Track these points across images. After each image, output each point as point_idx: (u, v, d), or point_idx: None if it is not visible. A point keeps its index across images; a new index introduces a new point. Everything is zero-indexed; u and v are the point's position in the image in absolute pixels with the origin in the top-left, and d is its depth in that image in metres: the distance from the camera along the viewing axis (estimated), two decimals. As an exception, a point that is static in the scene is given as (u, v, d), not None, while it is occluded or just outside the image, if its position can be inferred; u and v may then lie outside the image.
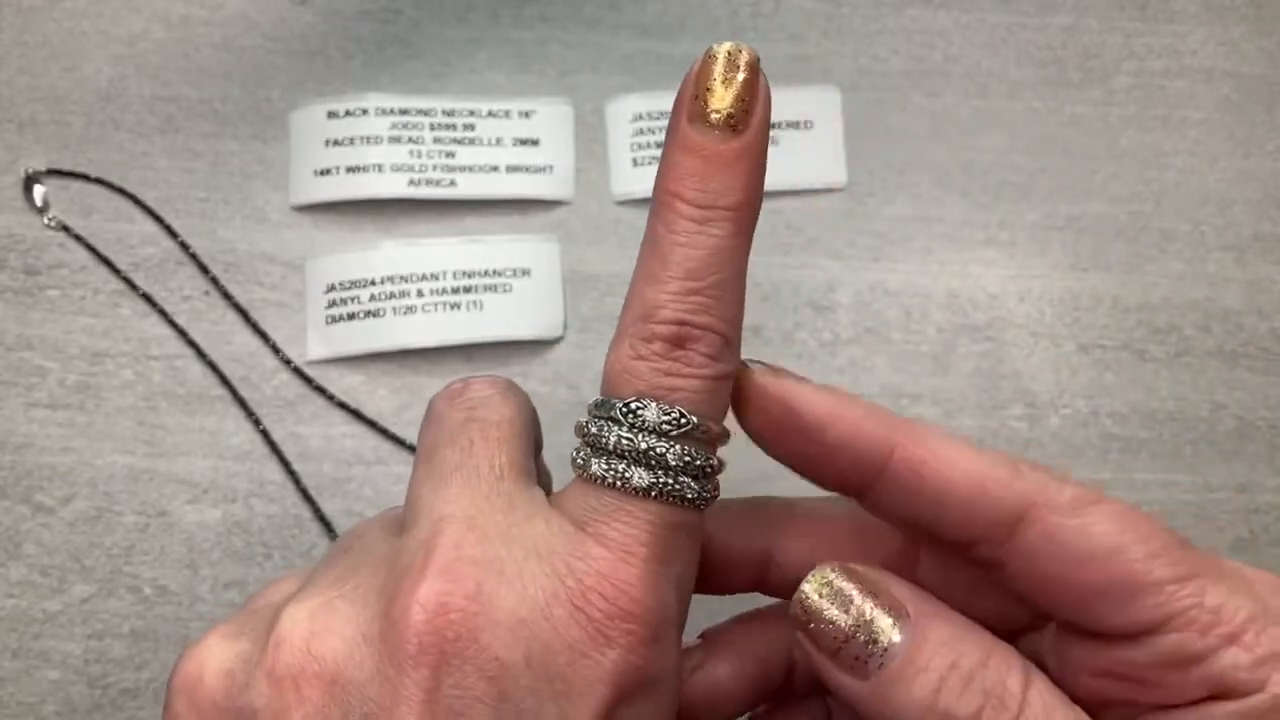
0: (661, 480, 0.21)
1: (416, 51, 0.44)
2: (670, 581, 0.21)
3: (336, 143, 0.42)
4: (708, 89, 0.21)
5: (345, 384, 0.40)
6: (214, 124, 0.43)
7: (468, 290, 0.41)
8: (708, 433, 0.22)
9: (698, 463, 0.21)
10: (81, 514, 0.38)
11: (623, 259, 0.42)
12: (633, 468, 0.21)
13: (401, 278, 0.41)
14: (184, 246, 0.41)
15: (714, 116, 0.21)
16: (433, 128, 0.42)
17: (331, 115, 0.42)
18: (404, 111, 0.42)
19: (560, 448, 0.40)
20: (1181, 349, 0.42)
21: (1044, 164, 0.44)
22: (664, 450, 0.21)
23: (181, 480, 0.39)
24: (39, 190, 0.41)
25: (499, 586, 0.20)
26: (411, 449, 0.39)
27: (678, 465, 0.21)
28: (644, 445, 0.21)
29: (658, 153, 0.43)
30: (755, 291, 0.42)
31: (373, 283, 0.41)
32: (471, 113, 0.43)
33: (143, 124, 0.42)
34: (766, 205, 0.43)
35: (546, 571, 0.20)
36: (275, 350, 0.40)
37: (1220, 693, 0.20)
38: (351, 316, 0.40)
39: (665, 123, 0.43)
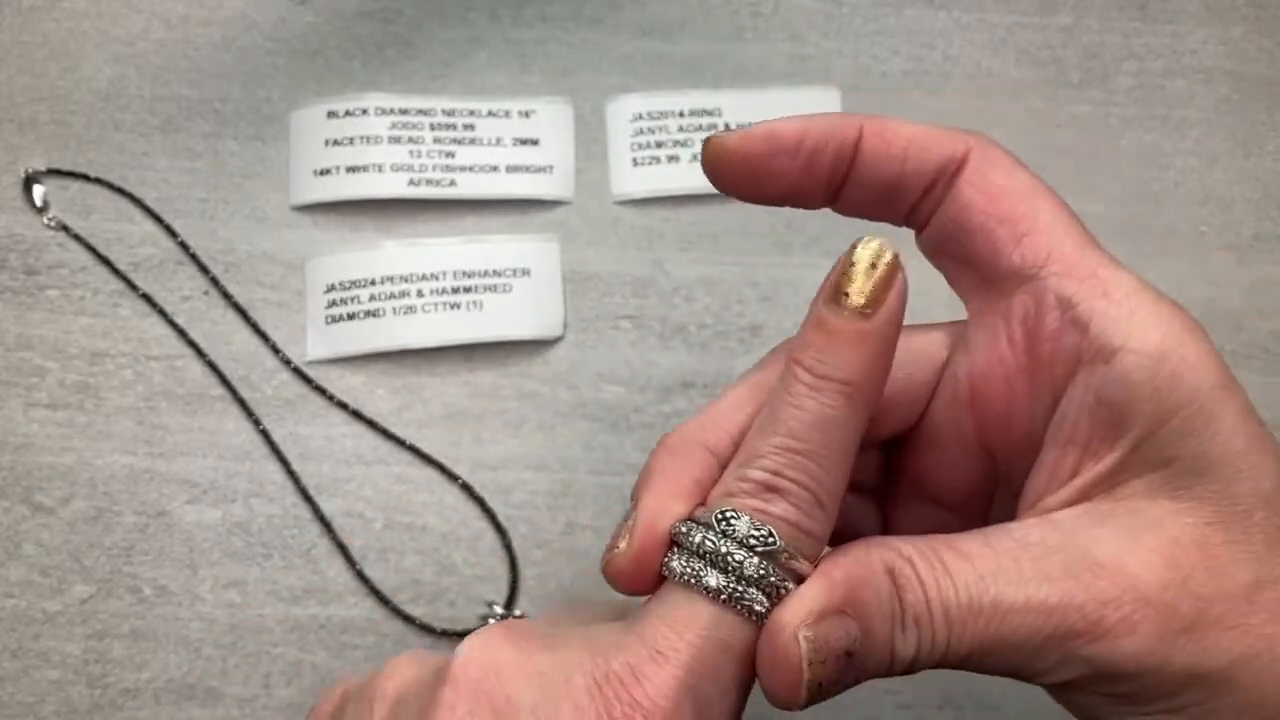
0: (732, 586, 0.22)
1: (416, 51, 0.44)
2: (694, 699, 0.22)
3: (336, 143, 0.42)
4: (846, 275, 0.23)
5: (345, 384, 0.40)
6: (214, 124, 0.42)
7: (468, 290, 0.41)
8: (793, 560, 0.22)
9: (773, 579, 0.22)
10: (81, 514, 0.38)
11: (622, 259, 0.42)
12: (709, 569, 0.22)
13: (401, 278, 0.41)
14: (184, 246, 0.41)
15: (846, 300, 0.23)
16: (433, 128, 0.42)
17: (331, 115, 0.42)
18: (404, 111, 0.42)
19: (560, 447, 0.40)
20: (1182, 349, 0.42)
21: (1044, 164, 0.43)
22: (743, 559, 0.22)
23: (181, 480, 0.39)
24: (39, 190, 0.41)
25: (541, 643, 0.23)
26: (411, 449, 0.39)
27: (753, 576, 0.22)
28: (724, 549, 0.22)
29: (657, 152, 0.43)
30: (755, 291, 0.42)
31: (373, 283, 0.41)
32: (471, 113, 0.43)
33: (143, 124, 0.42)
34: (766, 205, 0.43)
35: (584, 647, 0.22)
36: (275, 350, 0.40)
37: (1087, 346, 0.23)
38: (351, 316, 0.40)
39: (665, 122, 0.43)
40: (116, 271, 0.41)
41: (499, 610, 0.38)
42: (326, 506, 0.39)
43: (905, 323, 0.24)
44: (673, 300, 0.41)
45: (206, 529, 0.38)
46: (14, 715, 0.37)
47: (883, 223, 0.27)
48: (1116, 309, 0.23)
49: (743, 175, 0.26)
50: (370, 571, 0.38)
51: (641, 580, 0.23)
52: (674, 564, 0.23)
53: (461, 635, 0.38)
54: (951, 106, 0.44)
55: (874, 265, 0.23)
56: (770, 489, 0.22)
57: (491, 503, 0.39)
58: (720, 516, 0.22)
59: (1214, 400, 0.22)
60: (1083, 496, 0.23)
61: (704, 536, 0.22)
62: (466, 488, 0.39)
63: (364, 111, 0.42)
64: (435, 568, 0.38)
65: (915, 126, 0.25)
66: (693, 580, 0.22)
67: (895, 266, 0.23)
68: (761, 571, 0.22)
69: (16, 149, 0.42)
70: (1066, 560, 0.22)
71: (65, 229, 0.41)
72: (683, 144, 0.43)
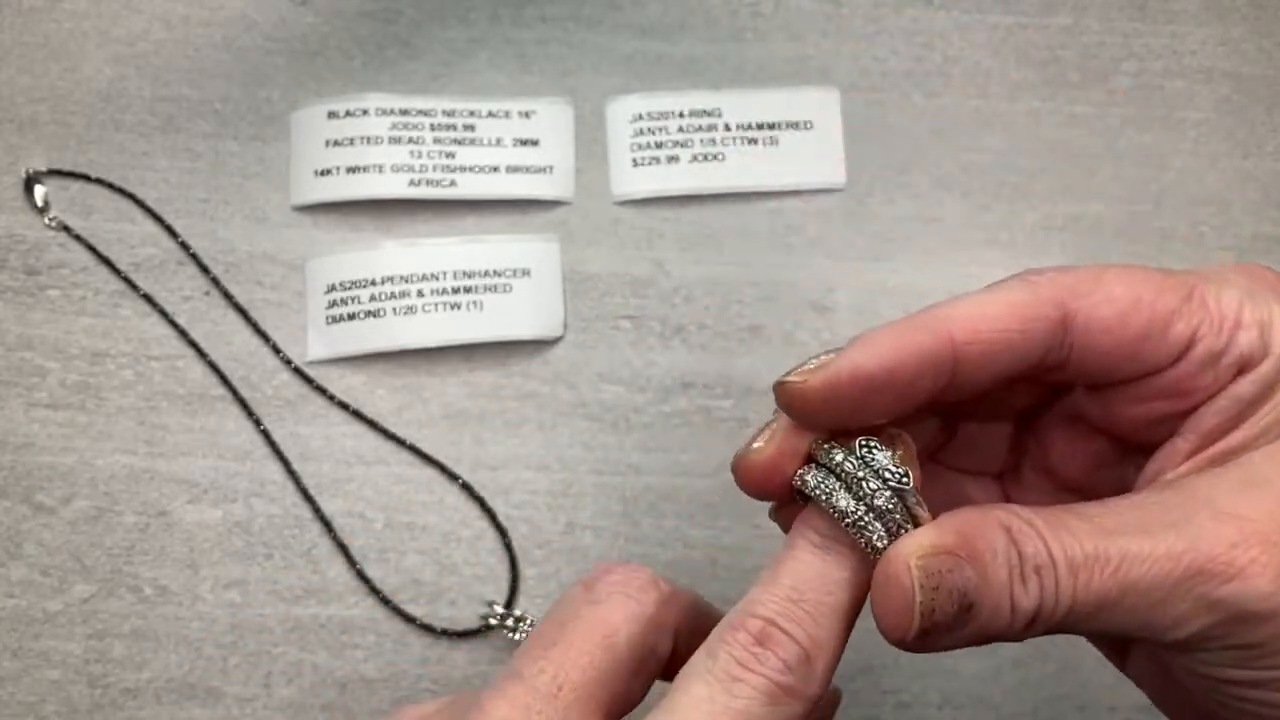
0: (860, 514, 0.22)
1: (417, 52, 0.44)
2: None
3: (337, 143, 0.42)
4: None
5: (345, 384, 0.40)
6: (214, 124, 0.43)
7: (468, 290, 0.41)
8: (919, 505, 0.22)
9: (897, 516, 0.22)
10: (82, 514, 0.38)
11: (622, 259, 0.42)
12: (841, 490, 0.22)
13: (401, 278, 0.41)
14: (184, 247, 0.41)
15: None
16: (433, 128, 0.42)
17: (332, 115, 0.42)
18: (404, 112, 0.42)
19: (560, 447, 0.40)
20: (1181, 349, 0.42)
21: (1044, 164, 0.44)
22: (876, 488, 0.22)
23: (182, 480, 0.39)
24: (39, 190, 0.41)
25: None
26: (412, 449, 0.39)
27: (881, 508, 0.22)
28: (861, 474, 0.22)
29: (657, 153, 0.43)
30: (755, 291, 0.42)
31: (373, 283, 0.41)
32: (471, 113, 0.43)
33: (143, 124, 0.42)
34: (766, 205, 0.44)
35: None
36: (275, 350, 0.40)
37: (1243, 369, 0.23)
38: (352, 316, 0.40)
39: (665, 123, 0.43)
40: (117, 272, 0.41)
41: (499, 610, 0.38)
42: (327, 506, 0.39)
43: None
44: (673, 300, 0.41)
45: (207, 529, 0.38)
46: (15, 715, 0.37)
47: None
48: (1254, 332, 0.23)
49: (829, 415, 0.24)
50: (370, 571, 0.38)
51: (770, 483, 0.23)
52: (809, 477, 0.23)
53: (461, 635, 0.38)
54: (951, 106, 0.44)
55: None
56: (762, 640, 0.22)
57: (491, 503, 0.39)
58: (863, 443, 0.23)
59: None
60: (1199, 468, 0.23)
61: (845, 458, 0.23)
62: (466, 488, 0.39)
63: (364, 112, 0.42)
64: (435, 567, 0.38)
65: (997, 306, 0.24)
66: (824, 498, 0.22)
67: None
68: (890, 505, 0.22)
69: (17, 149, 0.42)
70: (1188, 511, 0.22)
71: (66, 229, 0.41)
72: (683, 144, 0.43)
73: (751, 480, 0.24)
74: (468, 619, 0.38)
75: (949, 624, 0.21)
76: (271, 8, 0.44)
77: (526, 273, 0.41)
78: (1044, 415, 0.27)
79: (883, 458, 0.23)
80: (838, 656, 0.23)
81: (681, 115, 0.43)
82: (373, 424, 0.40)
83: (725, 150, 0.43)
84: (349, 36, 0.44)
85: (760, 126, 0.43)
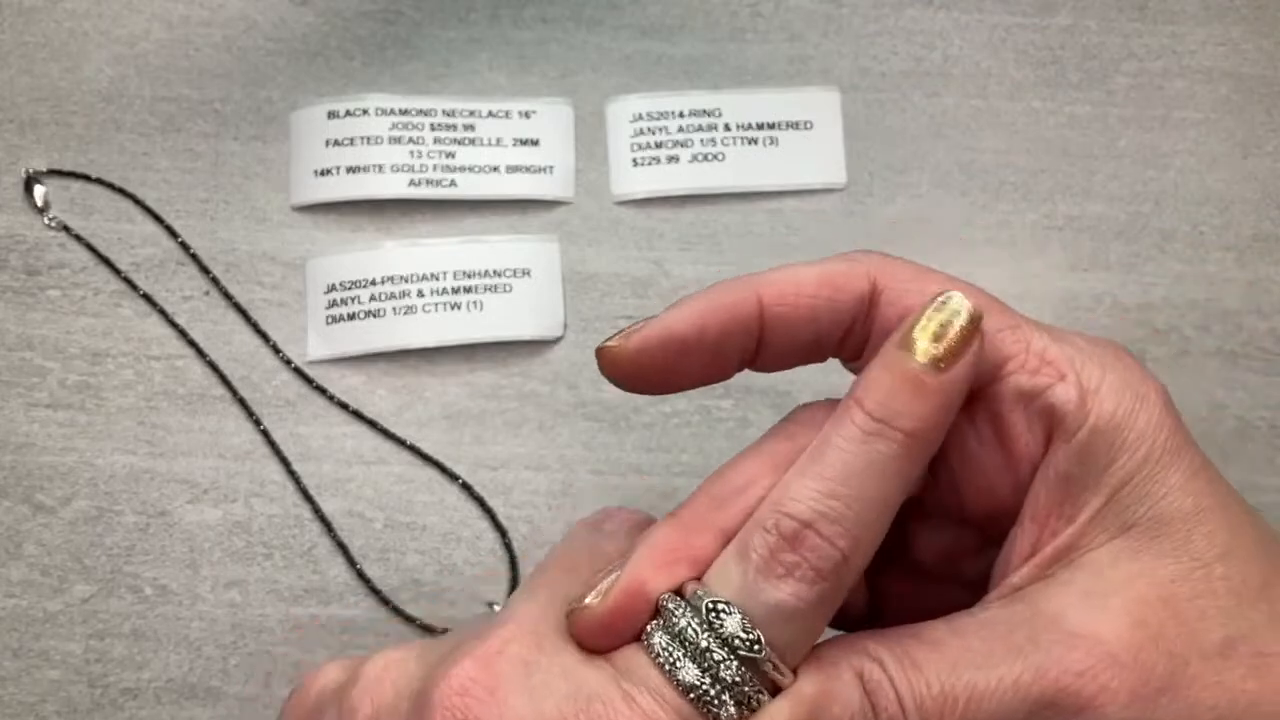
0: (705, 688, 0.21)
1: (417, 52, 0.44)
2: None
3: (337, 143, 0.42)
4: (925, 326, 0.22)
5: (345, 384, 0.40)
6: (214, 124, 0.43)
7: (468, 290, 0.41)
8: (775, 671, 0.21)
9: (746, 690, 0.21)
10: (82, 514, 0.38)
11: (623, 259, 0.42)
12: (686, 661, 0.21)
13: (401, 278, 0.41)
14: (184, 247, 0.41)
15: (922, 349, 0.22)
16: (433, 128, 0.42)
17: (332, 115, 0.42)
18: (404, 112, 0.42)
19: (560, 447, 0.40)
20: (1181, 349, 0.42)
21: (1043, 164, 0.44)
22: (721, 660, 0.21)
23: (182, 480, 0.39)
24: (39, 190, 0.41)
25: (519, 692, 0.21)
26: (412, 449, 0.39)
27: (728, 681, 0.21)
28: (705, 645, 0.21)
29: (657, 153, 0.43)
30: (755, 291, 0.42)
31: (373, 283, 0.41)
32: (472, 113, 0.43)
33: (143, 124, 0.42)
34: (766, 205, 0.44)
35: (568, 697, 0.21)
36: (275, 350, 0.40)
37: (1055, 428, 0.23)
38: (352, 316, 0.40)
39: (665, 123, 0.43)
40: (117, 272, 0.41)
41: (499, 610, 0.38)
42: (327, 506, 0.39)
43: None
44: (673, 300, 0.41)
45: (207, 529, 0.38)
46: (15, 715, 0.37)
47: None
48: (1073, 389, 0.23)
49: (646, 380, 0.24)
50: (370, 571, 0.38)
51: (606, 642, 0.22)
52: (655, 640, 0.22)
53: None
54: (951, 106, 0.44)
55: (952, 321, 0.22)
56: (796, 542, 0.21)
57: (491, 502, 0.39)
58: (710, 606, 0.21)
59: (1162, 465, 0.22)
60: (1042, 571, 0.23)
61: (689, 622, 0.21)
62: (466, 487, 0.39)
63: (364, 112, 0.42)
64: (435, 567, 0.38)
65: (810, 274, 0.24)
66: (668, 668, 0.21)
67: (976, 327, 0.22)
68: (738, 679, 0.21)
69: (17, 149, 0.42)
70: (1034, 632, 0.21)
71: (66, 229, 0.41)
72: (683, 144, 0.43)
73: (585, 640, 0.22)
74: (468, 619, 0.38)
75: None
76: (271, 8, 0.44)
77: (526, 273, 0.41)
78: (902, 512, 0.26)
79: (731, 623, 0.21)
80: (875, 547, 0.22)
81: (681, 115, 0.43)
82: (373, 424, 0.40)
83: (725, 150, 0.43)
84: (349, 36, 0.44)
85: (760, 126, 0.43)
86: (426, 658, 0.23)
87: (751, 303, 0.24)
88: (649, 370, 0.24)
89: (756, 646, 0.21)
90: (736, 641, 0.21)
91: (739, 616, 0.21)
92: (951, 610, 0.23)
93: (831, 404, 0.24)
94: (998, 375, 0.23)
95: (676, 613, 0.22)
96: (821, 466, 0.22)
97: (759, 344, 0.24)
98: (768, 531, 0.21)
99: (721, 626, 0.21)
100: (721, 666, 0.21)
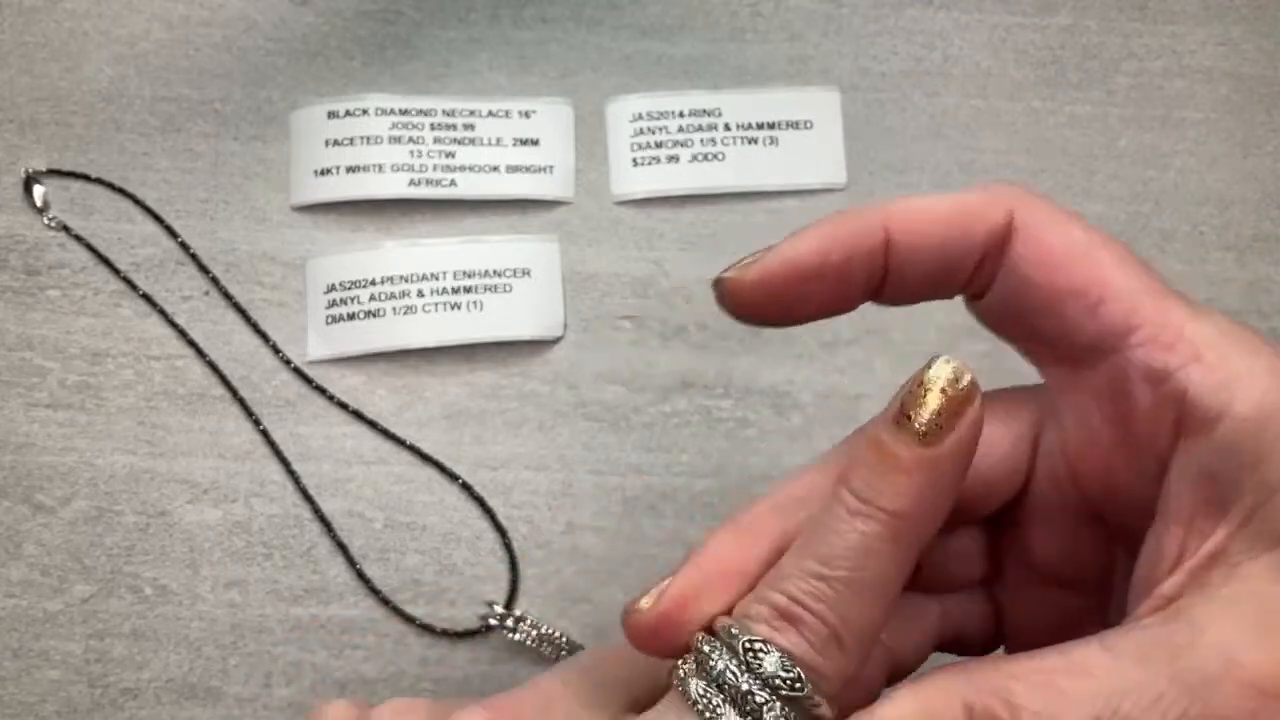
0: None
1: (417, 52, 0.44)
2: None
3: (337, 143, 0.42)
4: (914, 395, 0.21)
5: (345, 384, 0.40)
6: (214, 124, 0.43)
7: (468, 290, 0.41)
8: (819, 709, 0.20)
9: None
10: (82, 514, 0.38)
11: (623, 259, 0.42)
12: (726, 708, 0.20)
13: (401, 278, 0.41)
14: (184, 247, 0.41)
15: (906, 422, 0.21)
16: (433, 128, 0.42)
17: (332, 115, 0.42)
18: (404, 112, 0.42)
19: (560, 447, 0.40)
20: (1181, 349, 0.42)
21: (1044, 164, 0.44)
22: (764, 702, 0.20)
23: (182, 480, 0.39)
24: (39, 190, 0.41)
25: None
26: (412, 449, 0.39)
27: None
28: (746, 688, 0.20)
29: (657, 153, 0.43)
30: (755, 291, 0.42)
31: (373, 283, 0.41)
32: (471, 113, 0.43)
33: (143, 124, 0.42)
34: (766, 205, 0.44)
35: None
36: (275, 350, 0.40)
37: (1186, 416, 0.20)
38: (351, 316, 0.40)
39: (665, 123, 0.43)
40: (117, 272, 0.41)
41: (499, 610, 0.38)
42: (327, 506, 0.39)
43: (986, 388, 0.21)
44: (673, 300, 0.41)
45: (207, 529, 0.38)
46: (15, 715, 0.37)
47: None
48: (1211, 374, 0.20)
49: (763, 311, 0.23)
50: (370, 571, 0.38)
51: (654, 647, 0.22)
52: (691, 687, 0.21)
53: (461, 636, 0.38)
54: (951, 106, 0.44)
55: (946, 390, 0.21)
56: (786, 616, 0.20)
57: (491, 503, 0.39)
58: (748, 646, 0.20)
59: None
60: (1195, 580, 0.21)
61: (726, 666, 0.20)
62: (466, 488, 0.39)
63: (364, 112, 0.42)
64: (435, 568, 0.38)
65: (945, 204, 0.22)
66: (709, 714, 0.20)
67: (972, 393, 0.21)
68: (784, 718, 0.20)
69: (17, 149, 0.42)
70: (1201, 661, 0.19)
71: (66, 229, 0.41)
72: (683, 144, 0.43)
73: (639, 643, 0.22)
74: (468, 619, 0.38)
75: None
76: (272, 8, 0.44)
77: (526, 273, 0.41)
78: (1017, 511, 0.25)
79: (770, 662, 0.20)
80: (878, 629, 0.21)
81: (681, 115, 0.43)
82: (373, 424, 0.40)
83: (725, 150, 0.43)
84: (349, 36, 0.44)
85: (760, 126, 0.43)
86: (436, 710, 0.23)
87: (877, 231, 0.22)
88: (767, 302, 0.23)
89: (799, 684, 0.20)
90: (778, 681, 0.20)
91: (777, 655, 0.20)
92: (1080, 624, 0.22)
93: None
94: (1123, 345, 0.21)
95: (713, 655, 0.21)
96: (812, 545, 0.21)
97: (884, 275, 0.23)
98: (761, 606, 0.21)
99: (760, 667, 0.20)
100: (765, 710, 0.20)
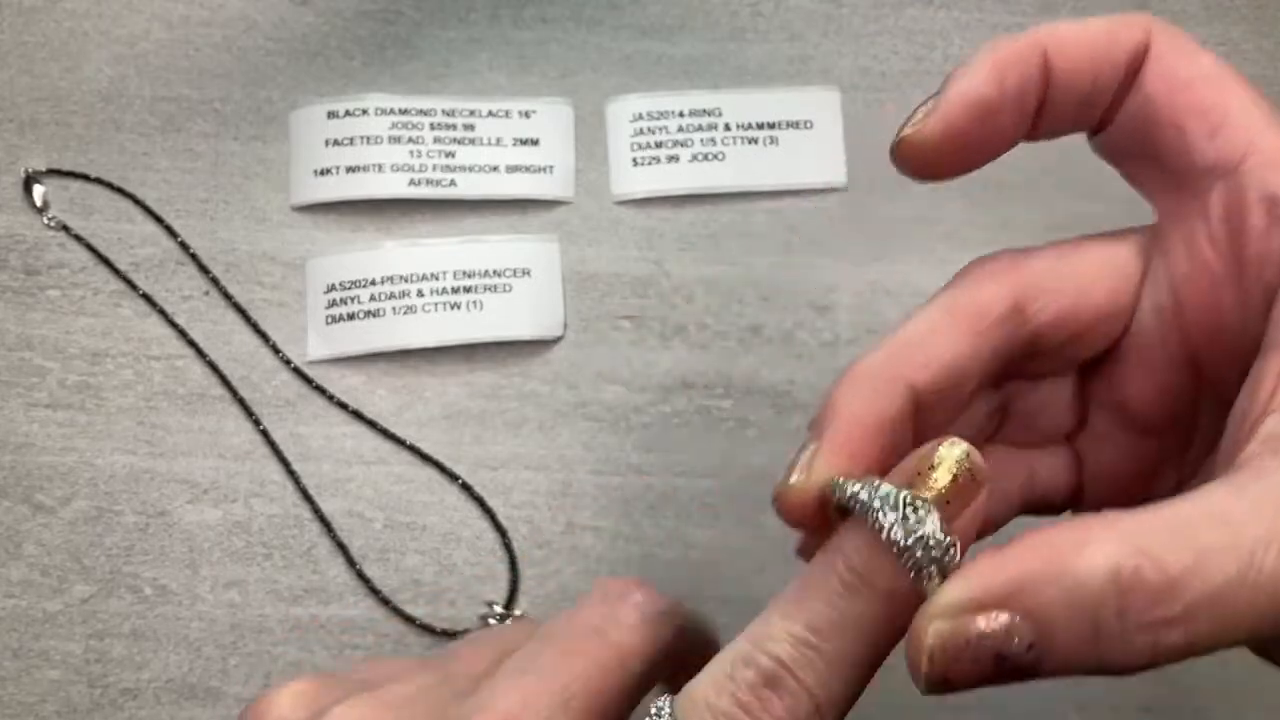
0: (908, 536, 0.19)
1: (417, 52, 0.44)
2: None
3: (336, 143, 0.42)
4: (922, 476, 0.20)
5: (345, 384, 0.40)
6: (214, 124, 0.43)
7: (468, 290, 0.41)
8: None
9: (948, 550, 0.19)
10: (82, 514, 0.38)
11: (622, 259, 0.42)
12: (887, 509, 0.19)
13: (401, 278, 0.41)
14: (184, 246, 0.41)
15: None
16: (433, 128, 0.42)
17: (331, 115, 0.42)
18: (404, 111, 0.42)
19: (560, 447, 0.40)
20: (1181, 349, 0.42)
21: (1044, 164, 0.44)
22: (924, 515, 0.19)
23: (182, 480, 0.39)
24: (39, 190, 0.41)
25: None
26: (411, 449, 0.39)
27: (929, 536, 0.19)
28: (906, 543, 0.19)
29: (657, 153, 0.43)
30: (755, 291, 0.42)
31: (373, 283, 0.41)
32: (471, 113, 0.43)
33: (143, 124, 0.42)
34: (766, 205, 0.43)
35: None
36: (275, 350, 0.40)
37: None
38: (351, 316, 0.40)
39: (665, 123, 0.43)
40: (117, 271, 0.41)
41: (499, 610, 0.38)
42: (326, 506, 0.39)
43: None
44: (673, 300, 0.41)
45: (207, 529, 0.38)
46: (14, 715, 0.37)
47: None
48: None
49: (950, 161, 0.23)
50: (370, 571, 0.38)
51: (811, 516, 0.21)
52: (859, 491, 0.20)
53: (461, 635, 0.38)
54: (951, 106, 0.44)
55: (956, 474, 0.20)
56: (771, 683, 0.20)
57: (491, 503, 0.39)
58: (910, 500, 0.19)
59: None
60: None
61: (893, 523, 0.19)
62: (466, 488, 0.39)
63: (364, 111, 0.42)
64: (435, 568, 0.38)
65: (1092, 26, 0.23)
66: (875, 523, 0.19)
67: (981, 481, 0.20)
68: (940, 536, 0.19)
69: (17, 149, 0.42)
70: None
71: (65, 229, 0.41)
72: (683, 144, 0.43)
73: (793, 516, 0.21)
74: (468, 619, 0.38)
75: (983, 679, 0.19)
76: (271, 8, 0.44)
77: (526, 273, 0.41)
78: (1113, 355, 0.24)
79: (931, 522, 0.19)
80: (851, 704, 0.20)
81: (681, 115, 0.43)
82: (373, 424, 0.40)
83: (725, 150, 0.43)
84: (349, 36, 0.44)
85: (760, 126, 0.43)
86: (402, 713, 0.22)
87: (1038, 51, 0.22)
88: (953, 151, 0.23)
89: (952, 551, 0.19)
90: (932, 542, 0.19)
91: (936, 516, 0.19)
92: (1158, 475, 0.21)
93: (1016, 254, 0.24)
94: (1240, 168, 0.21)
95: (871, 507, 0.19)
96: (803, 609, 0.20)
97: (1042, 103, 0.23)
98: (747, 666, 0.20)
99: (920, 524, 0.19)
100: (925, 522, 0.19)
